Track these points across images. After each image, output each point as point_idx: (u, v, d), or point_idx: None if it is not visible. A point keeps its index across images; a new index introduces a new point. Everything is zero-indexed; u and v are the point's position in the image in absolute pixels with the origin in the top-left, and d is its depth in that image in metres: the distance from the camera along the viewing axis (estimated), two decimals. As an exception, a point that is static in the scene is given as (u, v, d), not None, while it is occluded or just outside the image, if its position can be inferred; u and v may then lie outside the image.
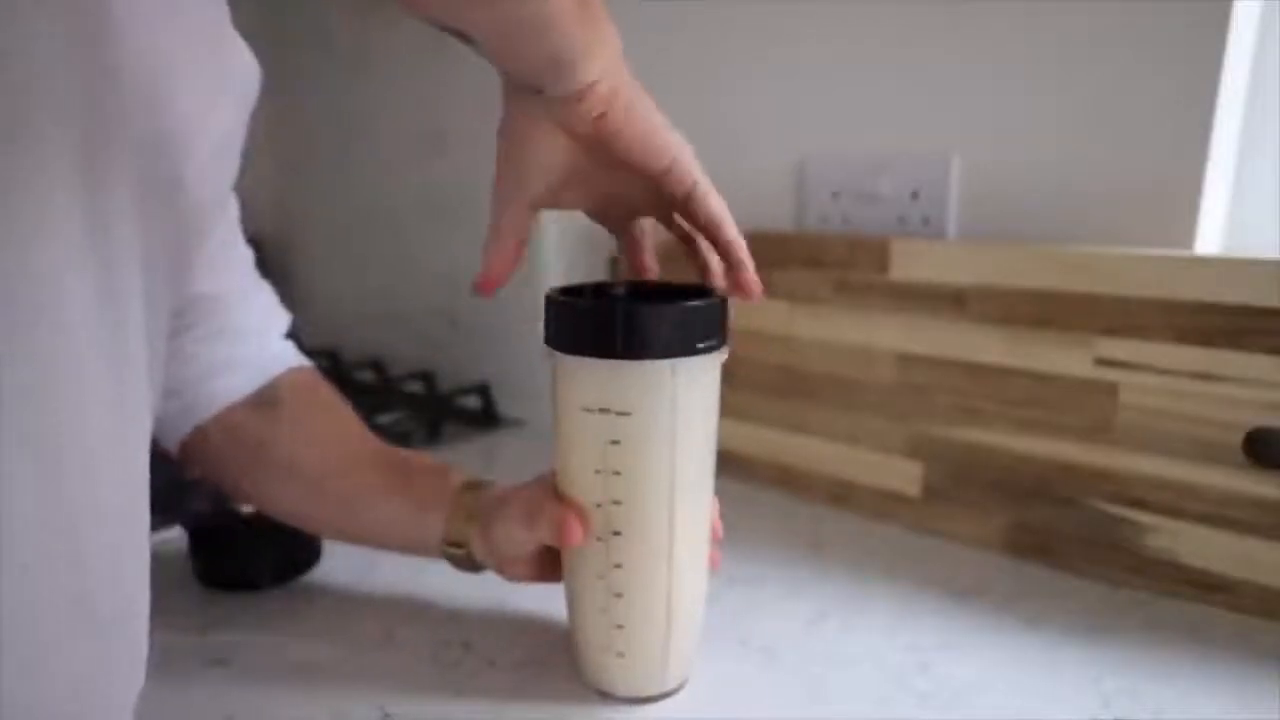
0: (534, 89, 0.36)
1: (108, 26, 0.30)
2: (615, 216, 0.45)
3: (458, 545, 0.49)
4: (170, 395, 0.47)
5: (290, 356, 0.54)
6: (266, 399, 0.51)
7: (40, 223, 0.28)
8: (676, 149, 0.39)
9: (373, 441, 0.54)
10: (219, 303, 0.49)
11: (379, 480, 0.51)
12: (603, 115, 0.36)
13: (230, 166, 0.42)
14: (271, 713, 0.44)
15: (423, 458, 0.54)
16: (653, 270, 0.46)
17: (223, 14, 0.39)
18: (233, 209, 0.49)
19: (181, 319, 0.47)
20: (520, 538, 0.46)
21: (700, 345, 0.39)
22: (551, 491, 0.44)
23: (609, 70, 0.35)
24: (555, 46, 0.32)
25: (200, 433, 0.50)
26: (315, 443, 0.52)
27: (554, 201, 0.41)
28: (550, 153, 0.38)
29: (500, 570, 0.49)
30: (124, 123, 0.31)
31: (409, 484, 0.51)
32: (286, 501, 0.52)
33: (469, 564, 0.50)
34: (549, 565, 0.48)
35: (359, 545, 0.53)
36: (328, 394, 0.55)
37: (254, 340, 0.52)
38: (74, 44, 0.29)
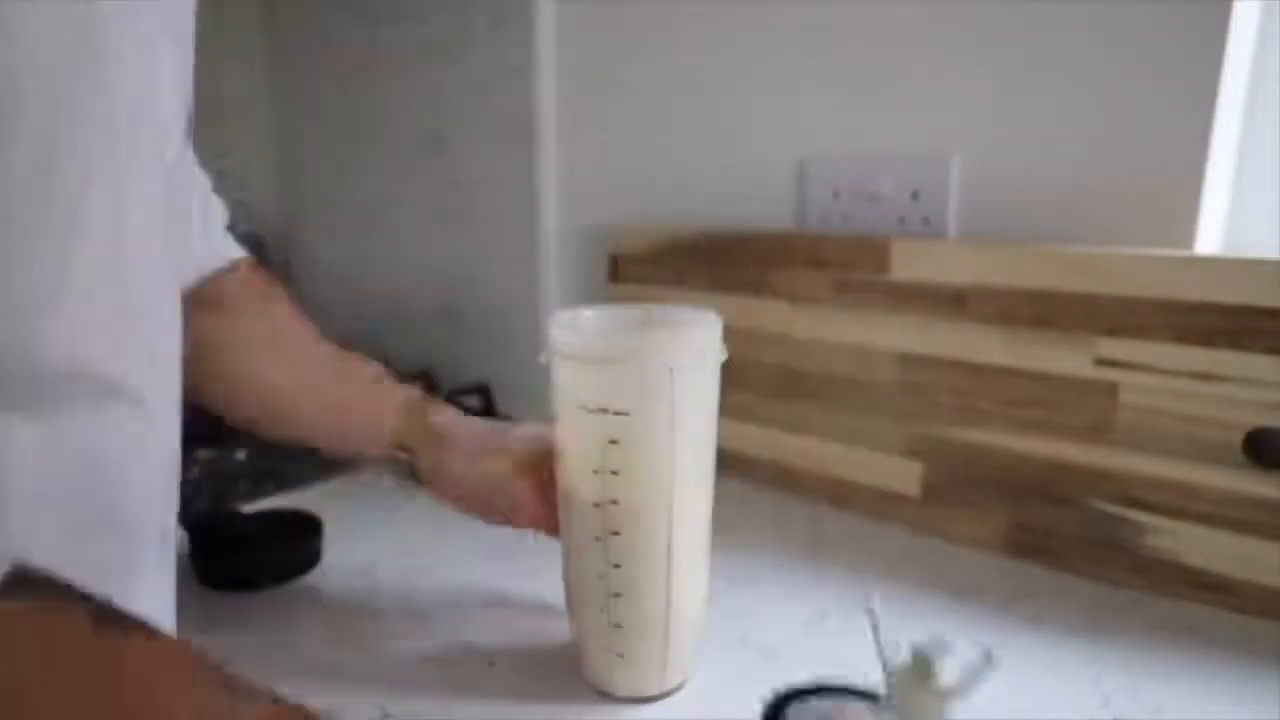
0: None
1: None
2: None
3: (406, 450, 0.51)
4: None
5: (228, 249, 0.53)
6: (209, 299, 0.50)
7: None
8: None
9: (313, 334, 0.54)
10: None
11: (319, 371, 0.52)
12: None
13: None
14: (271, 712, 0.44)
15: (362, 357, 0.55)
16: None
17: None
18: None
19: None
20: (473, 480, 0.49)
21: None
22: (518, 465, 0.49)
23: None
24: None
25: None
26: (254, 338, 0.52)
27: None
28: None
29: (433, 491, 0.52)
30: None
31: (350, 376, 0.52)
32: (221, 392, 0.51)
33: (408, 471, 0.51)
34: (486, 502, 0.50)
35: (296, 442, 0.54)
36: (269, 288, 0.54)
37: (197, 231, 0.50)
38: None
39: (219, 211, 0.53)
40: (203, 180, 0.52)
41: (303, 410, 0.52)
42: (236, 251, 0.54)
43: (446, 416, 0.52)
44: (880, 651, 0.33)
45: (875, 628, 0.34)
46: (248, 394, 0.52)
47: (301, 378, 0.52)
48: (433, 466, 0.51)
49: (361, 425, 0.52)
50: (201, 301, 0.49)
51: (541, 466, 0.48)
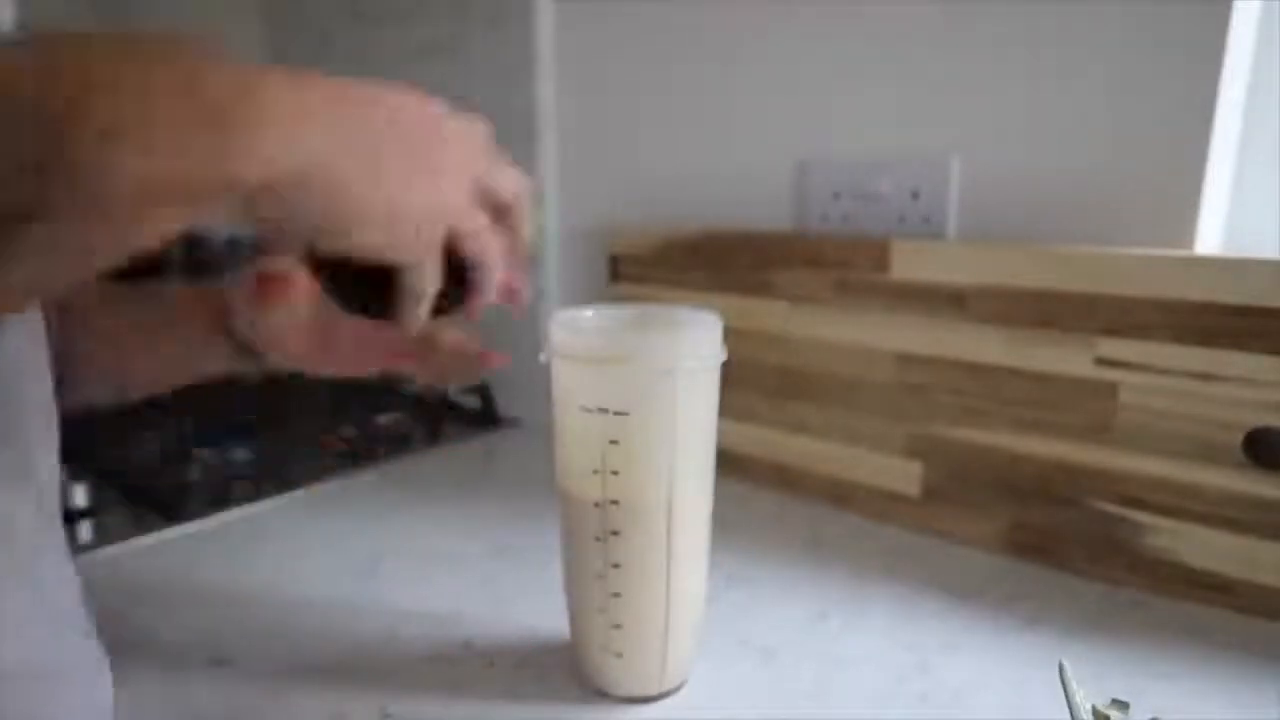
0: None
1: None
2: None
3: (241, 329, 0.46)
4: None
5: None
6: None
7: None
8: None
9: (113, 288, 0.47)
10: None
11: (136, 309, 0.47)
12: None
13: None
14: (271, 713, 0.44)
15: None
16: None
17: None
18: None
19: None
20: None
21: None
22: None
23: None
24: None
25: None
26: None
27: None
28: None
29: (281, 345, 0.46)
30: None
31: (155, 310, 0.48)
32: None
33: (250, 352, 0.47)
34: (317, 342, 0.46)
35: (157, 383, 0.50)
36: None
37: None
38: None
39: None
40: None
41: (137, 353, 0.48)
42: None
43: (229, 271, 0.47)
44: (1075, 714, 0.37)
45: (1067, 687, 0.38)
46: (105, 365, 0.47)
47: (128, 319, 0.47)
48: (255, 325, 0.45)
49: (197, 338, 0.47)
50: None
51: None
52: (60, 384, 0.41)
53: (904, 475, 0.65)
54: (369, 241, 0.30)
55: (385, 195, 0.30)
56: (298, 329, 0.45)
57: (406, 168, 0.31)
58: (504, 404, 0.95)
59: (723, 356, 0.42)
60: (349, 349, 0.47)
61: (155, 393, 0.52)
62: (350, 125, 0.29)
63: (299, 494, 0.73)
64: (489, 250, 0.35)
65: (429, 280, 0.33)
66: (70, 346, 0.44)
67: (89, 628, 0.37)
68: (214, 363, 0.48)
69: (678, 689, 0.46)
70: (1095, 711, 0.37)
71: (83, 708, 0.36)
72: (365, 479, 0.77)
